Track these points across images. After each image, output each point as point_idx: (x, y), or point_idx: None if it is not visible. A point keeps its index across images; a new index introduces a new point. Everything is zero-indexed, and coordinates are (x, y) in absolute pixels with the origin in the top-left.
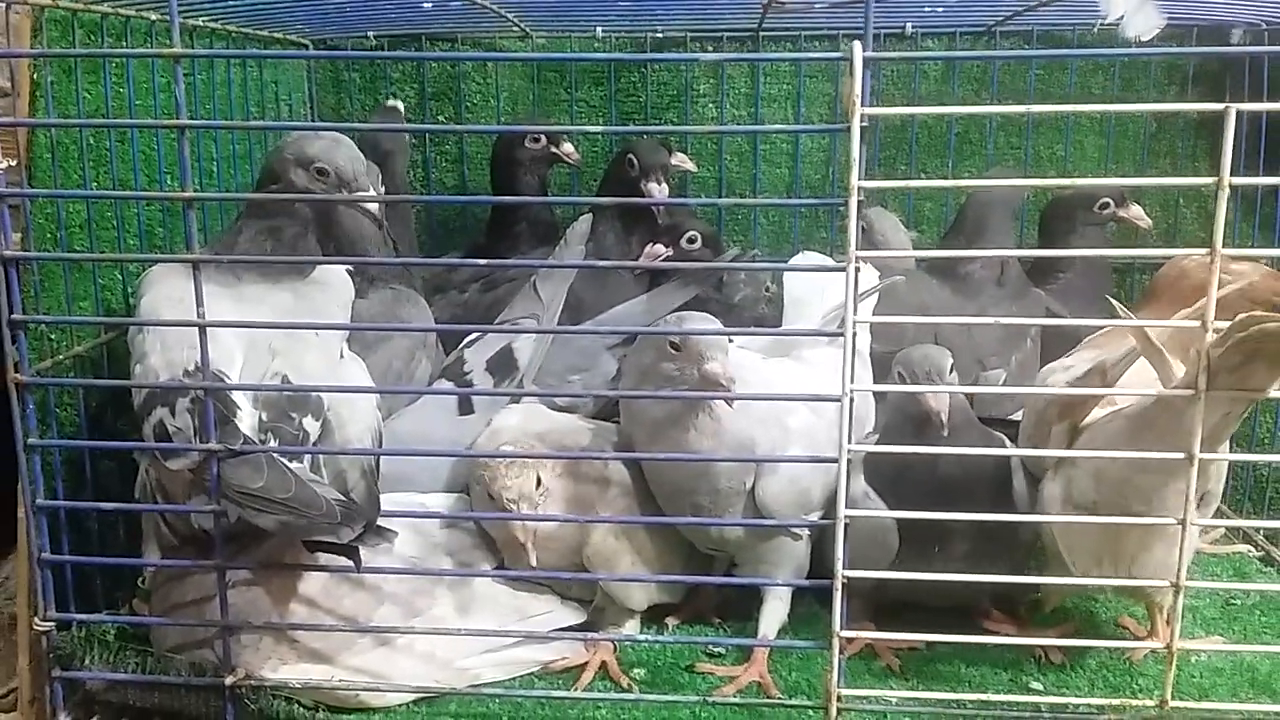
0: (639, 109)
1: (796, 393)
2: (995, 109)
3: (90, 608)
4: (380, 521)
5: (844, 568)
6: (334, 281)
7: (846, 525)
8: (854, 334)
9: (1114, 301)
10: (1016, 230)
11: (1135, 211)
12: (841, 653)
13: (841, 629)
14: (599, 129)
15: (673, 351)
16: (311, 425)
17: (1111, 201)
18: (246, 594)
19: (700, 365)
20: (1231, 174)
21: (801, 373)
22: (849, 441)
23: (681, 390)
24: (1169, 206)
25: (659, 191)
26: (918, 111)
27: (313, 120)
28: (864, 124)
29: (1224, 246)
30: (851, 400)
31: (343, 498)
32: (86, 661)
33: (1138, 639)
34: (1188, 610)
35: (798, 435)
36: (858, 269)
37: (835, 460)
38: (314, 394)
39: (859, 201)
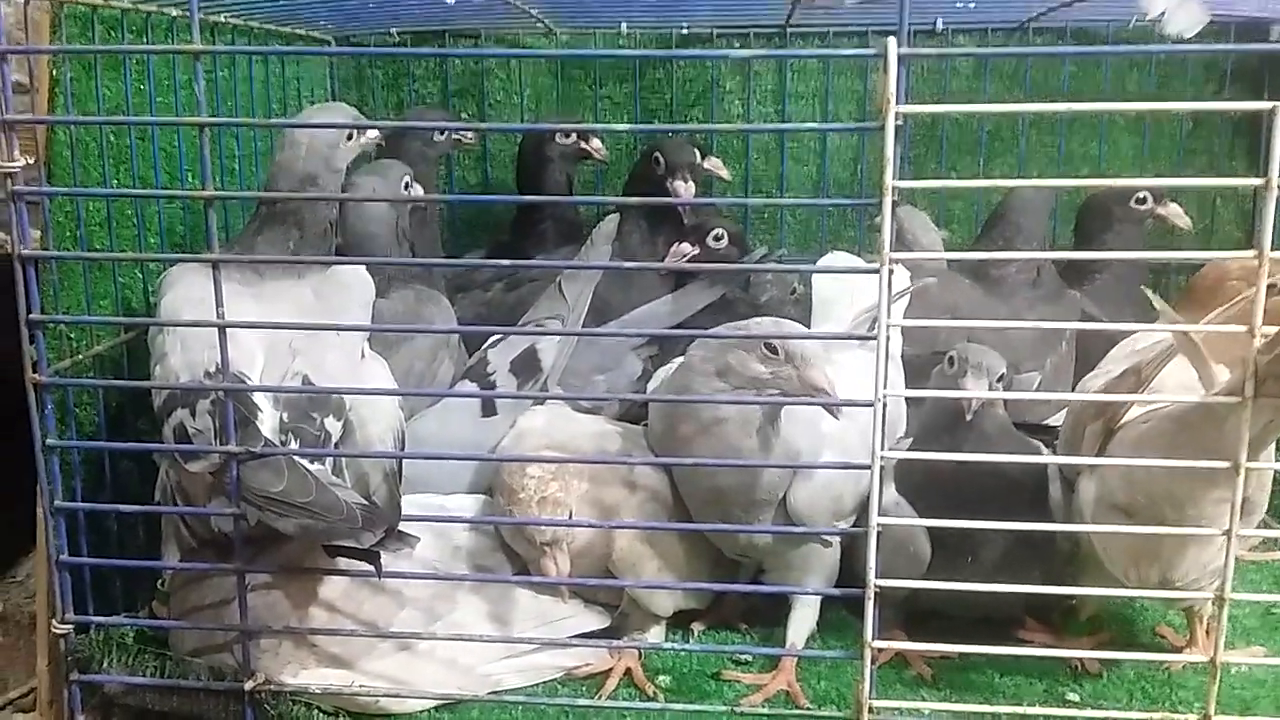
0: (664, 106)
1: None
2: (1029, 107)
3: (109, 610)
4: (402, 526)
5: (875, 577)
6: (355, 280)
7: (878, 533)
8: (887, 337)
9: (1152, 295)
10: (1051, 230)
11: (1173, 210)
12: (873, 663)
13: (873, 639)
14: (625, 127)
15: (769, 354)
16: (333, 425)
17: (1150, 196)
18: (266, 597)
19: (803, 371)
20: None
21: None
22: (881, 447)
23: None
24: (1205, 207)
25: (685, 190)
26: (952, 109)
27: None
28: (898, 122)
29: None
30: (885, 405)
31: (364, 501)
32: (105, 664)
33: (1176, 648)
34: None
35: (831, 440)
36: (891, 270)
37: (868, 466)
38: (335, 394)
39: (893, 201)
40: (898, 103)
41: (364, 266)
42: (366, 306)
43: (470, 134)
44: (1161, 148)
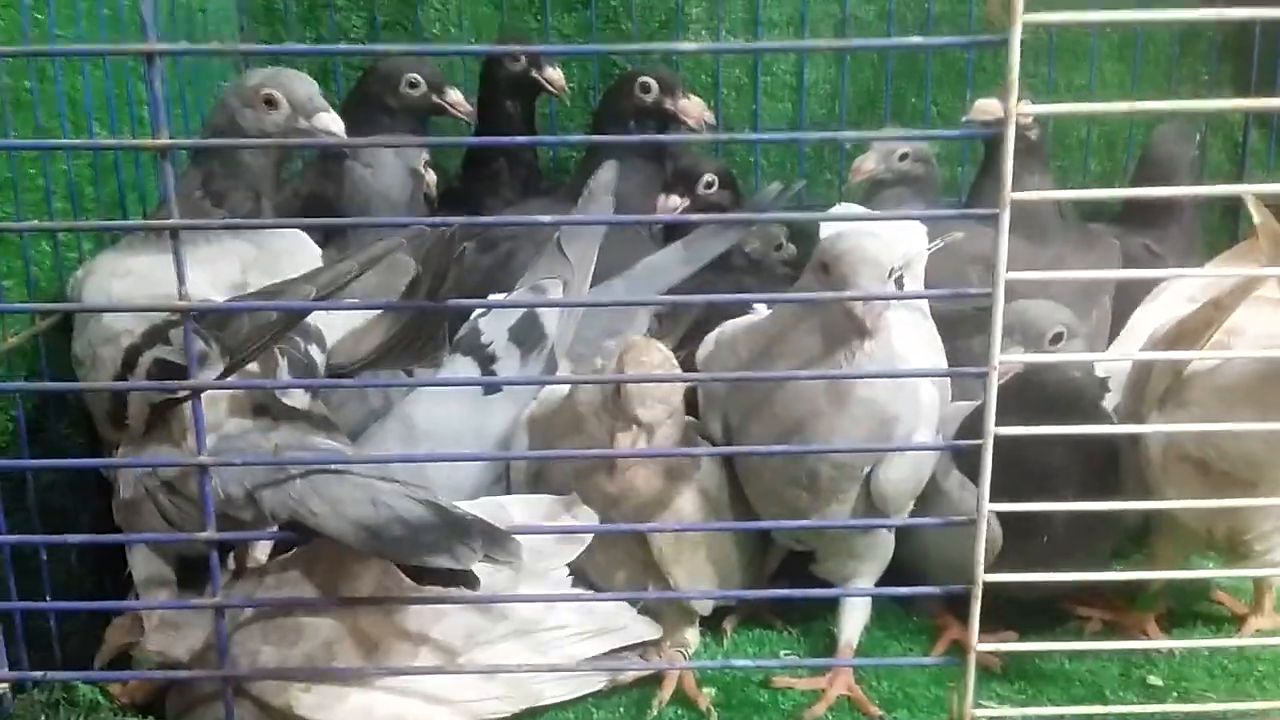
0: (622, 37)
1: (917, 361)
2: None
3: (44, 661)
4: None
5: (968, 569)
6: (289, 232)
7: (978, 523)
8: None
9: (1257, 206)
10: None
11: None
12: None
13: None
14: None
15: (823, 274)
16: (317, 354)
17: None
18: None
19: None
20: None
21: (916, 332)
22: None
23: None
24: None
25: (695, 109)
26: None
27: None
28: (1024, 36)
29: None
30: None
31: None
32: None
33: (1236, 615)
34: None
35: (928, 411)
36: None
37: (978, 444)
38: (313, 324)
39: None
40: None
41: (305, 233)
42: (314, 258)
43: (459, 100)
44: (1148, 76)
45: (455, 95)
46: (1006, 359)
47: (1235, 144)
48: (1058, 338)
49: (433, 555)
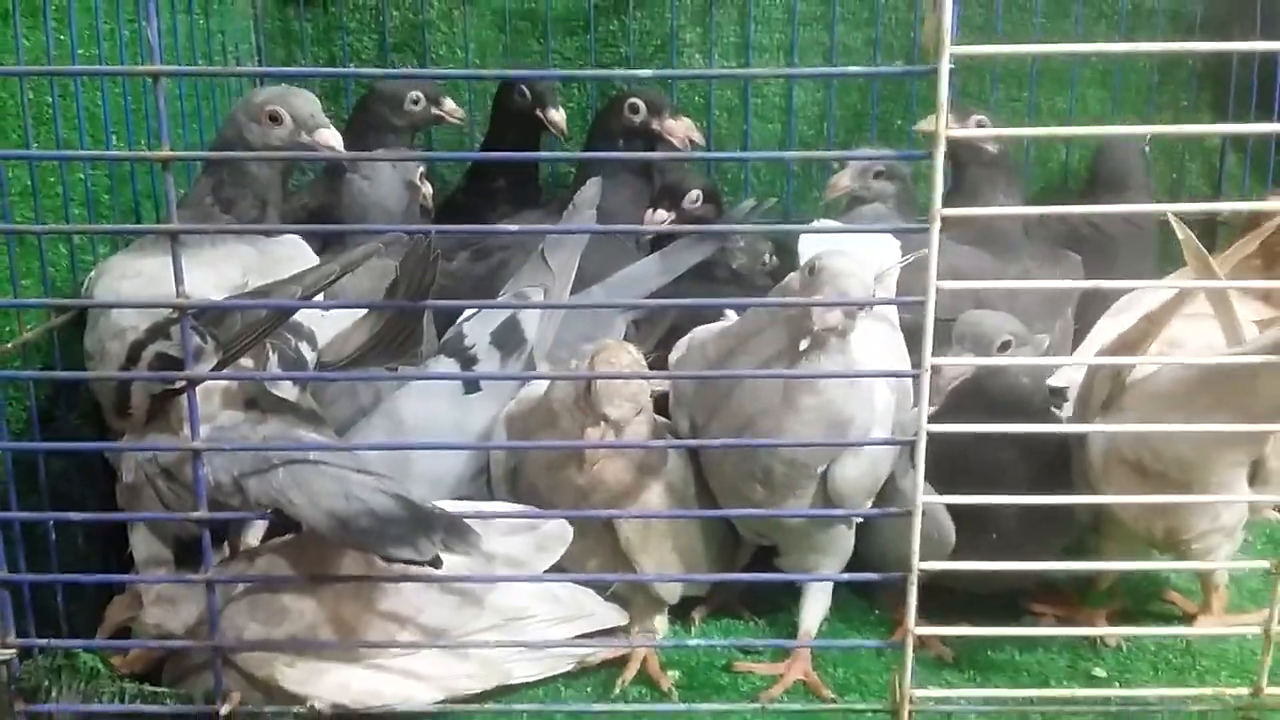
0: (620, 61)
1: (874, 368)
2: (1091, 47)
3: (50, 630)
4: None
5: (909, 559)
6: (289, 239)
7: (914, 514)
8: (934, 301)
9: (1180, 228)
10: None
11: None
12: (915, 651)
13: (915, 626)
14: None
15: (810, 289)
16: (307, 351)
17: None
18: (274, 601)
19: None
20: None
21: (883, 343)
22: (926, 421)
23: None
24: (1174, 159)
25: (680, 127)
26: (1005, 50)
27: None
28: (952, 65)
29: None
30: (930, 375)
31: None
32: (55, 693)
33: (1187, 614)
34: (1231, 581)
35: (882, 415)
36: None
37: (911, 442)
38: (305, 323)
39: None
40: (952, 43)
41: (302, 239)
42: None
43: (454, 108)
44: (1129, 101)
45: (450, 104)
46: (938, 361)
47: (1213, 168)
48: (1005, 346)
49: (396, 548)
